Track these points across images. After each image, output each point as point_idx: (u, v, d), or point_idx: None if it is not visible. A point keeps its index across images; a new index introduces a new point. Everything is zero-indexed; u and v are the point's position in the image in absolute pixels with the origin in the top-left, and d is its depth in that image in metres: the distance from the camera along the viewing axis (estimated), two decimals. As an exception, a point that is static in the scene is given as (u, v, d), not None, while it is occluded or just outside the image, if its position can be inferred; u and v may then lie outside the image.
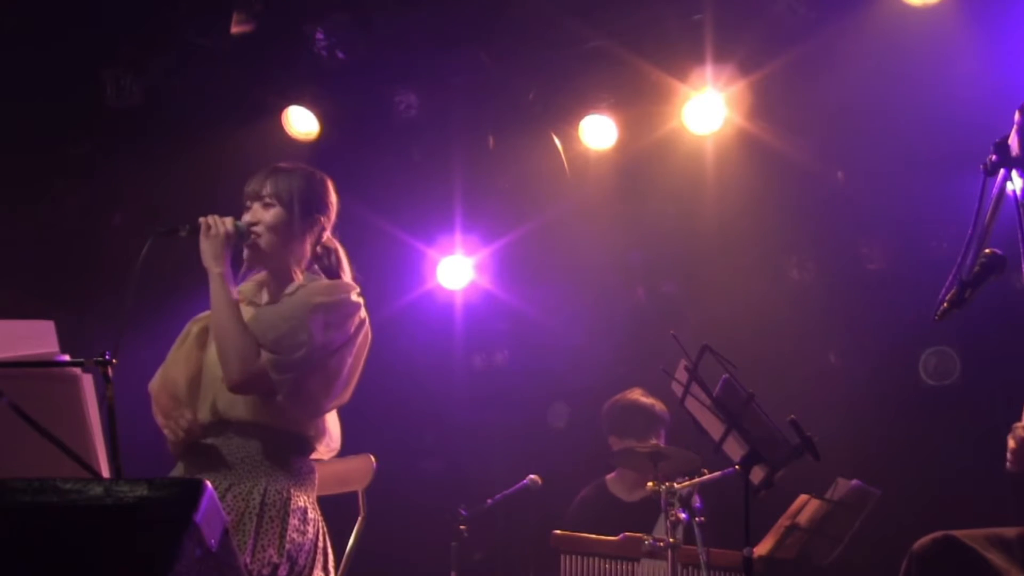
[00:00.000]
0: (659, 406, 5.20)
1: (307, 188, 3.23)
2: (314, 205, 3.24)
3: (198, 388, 3.17)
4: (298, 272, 3.23)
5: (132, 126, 5.75)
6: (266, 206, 3.18)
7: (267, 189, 3.18)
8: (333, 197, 3.32)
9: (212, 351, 3.15)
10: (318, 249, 3.28)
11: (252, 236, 3.16)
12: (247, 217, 3.19)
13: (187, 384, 3.18)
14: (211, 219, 3.09)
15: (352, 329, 3.14)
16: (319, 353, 3.03)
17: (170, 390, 3.18)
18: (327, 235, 3.31)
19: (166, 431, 3.18)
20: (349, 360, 3.12)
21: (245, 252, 3.18)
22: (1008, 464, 3.16)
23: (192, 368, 3.19)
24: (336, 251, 3.34)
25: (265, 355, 3.00)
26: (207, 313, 3.19)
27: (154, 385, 3.22)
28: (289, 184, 3.20)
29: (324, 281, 3.24)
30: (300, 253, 3.23)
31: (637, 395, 5.27)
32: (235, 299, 3.07)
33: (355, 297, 3.19)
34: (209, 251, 3.06)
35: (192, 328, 3.26)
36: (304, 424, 3.13)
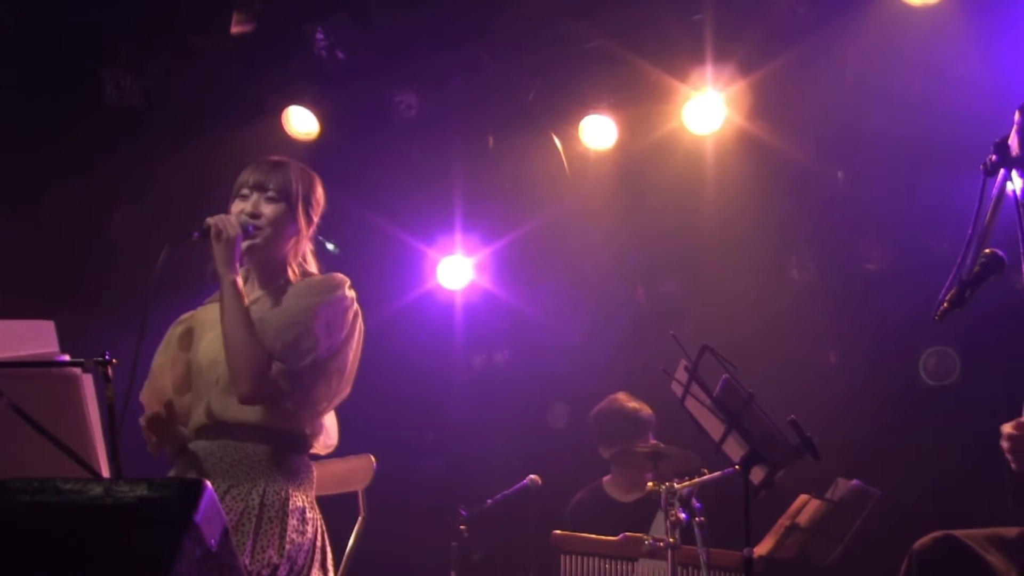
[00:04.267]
0: (644, 410, 5.19)
1: (309, 187, 3.22)
2: (313, 205, 3.23)
3: (186, 392, 3.16)
4: (294, 267, 3.22)
5: (132, 126, 5.74)
6: (269, 200, 3.14)
7: (272, 184, 3.15)
8: (323, 197, 3.30)
9: (200, 352, 3.13)
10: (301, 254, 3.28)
11: (253, 230, 3.11)
12: (246, 207, 3.13)
13: (175, 389, 3.17)
14: (219, 221, 3.03)
15: (350, 323, 3.14)
16: (324, 356, 3.04)
17: (160, 399, 3.17)
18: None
19: (163, 444, 3.17)
20: (350, 356, 3.13)
21: (244, 244, 3.09)
22: (1013, 466, 3.15)
23: (178, 372, 3.19)
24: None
25: (276, 365, 2.98)
26: (189, 315, 3.19)
27: (144, 396, 3.19)
28: (294, 181, 3.17)
29: (318, 277, 3.22)
30: (298, 250, 3.23)
31: (621, 401, 5.26)
32: (247, 308, 3.02)
33: (348, 291, 3.18)
34: (222, 256, 3.01)
35: (174, 332, 3.23)
36: (302, 423, 3.14)
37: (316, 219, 3.26)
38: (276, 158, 3.27)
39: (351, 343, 3.13)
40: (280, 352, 2.99)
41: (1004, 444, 3.07)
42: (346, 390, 3.17)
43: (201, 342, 3.16)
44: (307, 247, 3.28)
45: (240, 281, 3.02)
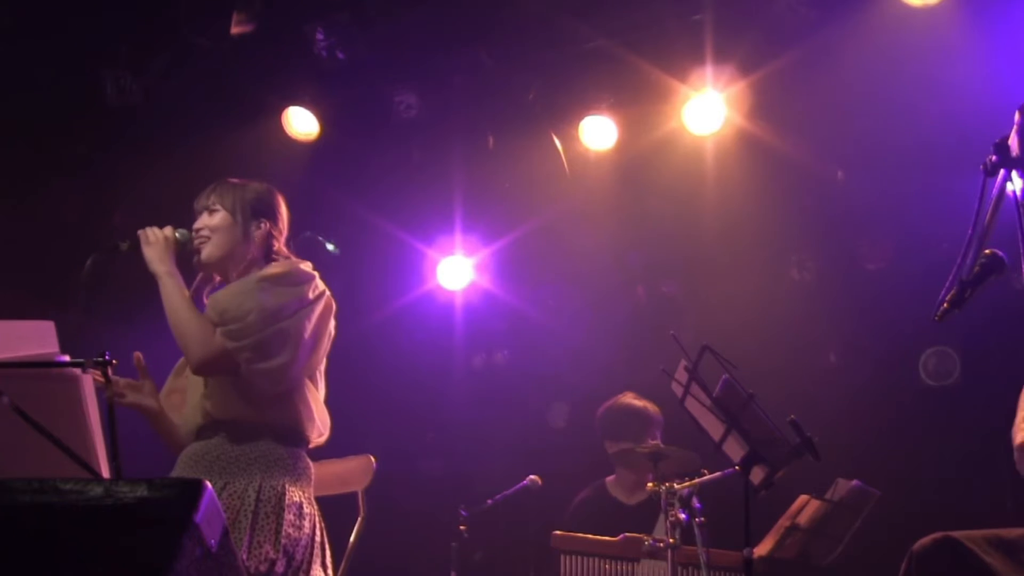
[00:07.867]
0: (652, 408, 5.21)
1: (254, 197, 3.31)
2: (259, 211, 3.30)
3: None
4: (248, 268, 3.28)
5: (132, 125, 5.75)
6: (211, 212, 3.27)
7: (211, 199, 3.28)
8: (283, 209, 3.38)
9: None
10: (273, 256, 3.31)
11: (196, 241, 3.23)
12: (194, 227, 3.27)
13: (176, 410, 3.32)
14: (148, 230, 3.20)
15: (309, 295, 3.18)
16: (271, 318, 3.08)
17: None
18: (279, 245, 3.34)
19: (168, 443, 3.32)
20: (308, 324, 3.15)
21: (195, 260, 3.25)
22: (1020, 470, 3.16)
23: (175, 399, 3.33)
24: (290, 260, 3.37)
25: (218, 331, 3.07)
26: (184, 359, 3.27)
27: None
28: (233, 192, 3.29)
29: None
30: (246, 256, 3.26)
31: (629, 399, 5.28)
32: (185, 292, 3.15)
33: (307, 268, 3.25)
34: (153, 256, 3.16)
35: (182, 361, 3.35)
36: (290, 412, 3.16)
37: (271, 226, 3.30)
38: (226, 179, 3.35)
39: (309, 313, 3.16)
40: (219, 316, 3.10)
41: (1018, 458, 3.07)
42: (311, 361, 3.20)
43: None
44: (259, 255, 3.28)
45: (175, 273, 3.15)
